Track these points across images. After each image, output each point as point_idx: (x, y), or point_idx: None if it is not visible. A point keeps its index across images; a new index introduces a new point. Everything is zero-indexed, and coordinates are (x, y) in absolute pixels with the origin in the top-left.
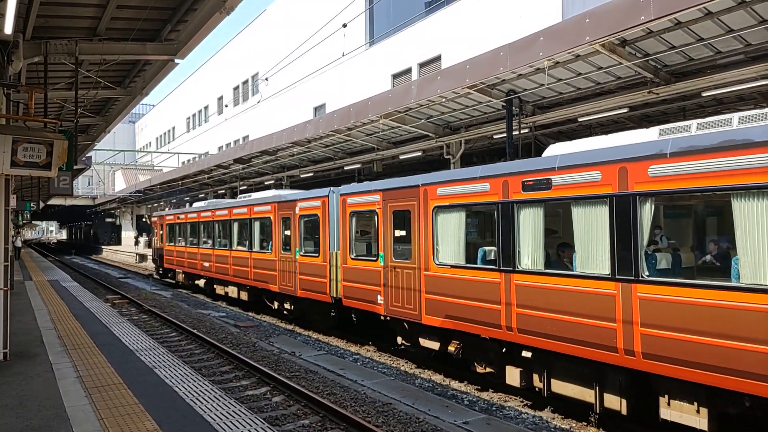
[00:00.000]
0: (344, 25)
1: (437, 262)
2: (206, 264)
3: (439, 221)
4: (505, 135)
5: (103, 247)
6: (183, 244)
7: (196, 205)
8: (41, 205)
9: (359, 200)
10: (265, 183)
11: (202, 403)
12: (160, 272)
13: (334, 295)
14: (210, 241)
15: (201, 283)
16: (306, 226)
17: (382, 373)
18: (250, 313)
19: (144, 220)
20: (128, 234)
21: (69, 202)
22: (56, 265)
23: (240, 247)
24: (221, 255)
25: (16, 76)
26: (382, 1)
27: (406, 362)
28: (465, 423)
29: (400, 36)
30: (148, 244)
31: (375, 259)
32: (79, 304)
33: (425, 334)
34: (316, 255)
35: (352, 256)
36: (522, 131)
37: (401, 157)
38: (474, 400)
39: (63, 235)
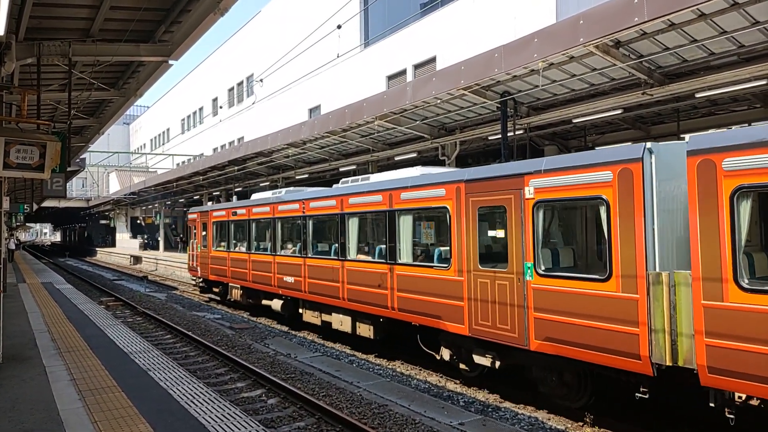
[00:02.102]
0: (339, 27)
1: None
2: (288, 279)
3: None
4: (500, 136)
5: (97, 249)
6: (243, 249)
7: (261, 196)
8: (35, 207)
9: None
10: (260, 185)
11: (197, 405)
12: (201, 284)
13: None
14: (296, 247)
15: (275, 305)
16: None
17: (378, 374)
18: (244, 315)
19: (139, 221)
20: (122, 236)
21: (63, 204)
22: (50, 267)
23: (363, 257)
24: (321, 268)
25: (8, 78)
26: (377, 2)
27: (402, 363)
28: (461, 424)
29: (395, 37)
30: (144, 246)
31: None
32: (73, 306)
33: None
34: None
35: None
36: (517, 132)
37: (396, 158)
38: (470, 401)
39: (57, 237)
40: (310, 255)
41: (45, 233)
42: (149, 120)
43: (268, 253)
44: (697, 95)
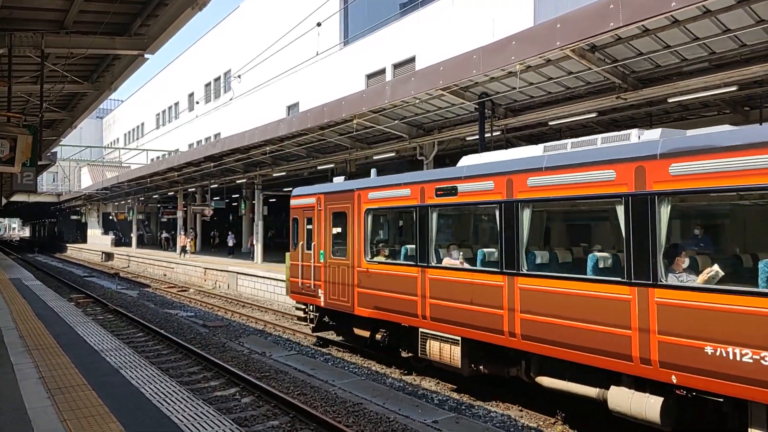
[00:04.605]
0: (318, 24)
1: None
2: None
3: None
4: (477, 137)
5: (67, 245)
6: (457, 259)
7: (509, 155)
8: (3, 201)
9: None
10: (237, 182)
11: (169, 404)
12: (309, 314)
13: None
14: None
15: (553, 383)
16: None
17: (353, 373)
18: (219, 312)
19: (111, 217)
20: (94, 232)
21: (33, 198)
22: (18, 263)
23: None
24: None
25: None
26: (356, 0)
27: (377, 362)
28: (434, 422)
29: (374, 36)
30: (117, 243)
31: None
32: (42, 303)
33: None
34: None
35: None
36: (494, 133)
37: (375, 157)
38: (444, 399)
39: (26, 233)
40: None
41: (14, 228)
42: (123, 114)
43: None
44: (670, 100)
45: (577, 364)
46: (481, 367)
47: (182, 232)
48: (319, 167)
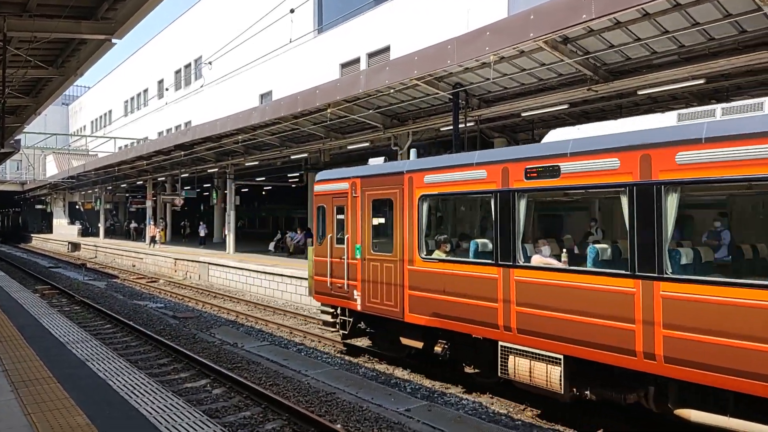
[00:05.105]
0: (292, 11)
1: None
2: None
3: None
4: (451, 127)
5: (32, 235)
6: (545, 253)
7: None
8: None
9: None
10: (208, 171)
11: (137, 396)
12: (340, 318)
13: None
14: None
15: None
16: None
17: (326, 363)
18: (189, 303)
19: (78, 207)
20: (60, 222)
21: None
22: None
23: None
24: None
25: None
26: None
27: (350, 352)
28: (407, 410)
29: (349, 25)
30: (84, 233)
31: None
32: (5, 294)
33: None
34: None
35: None
36: (468, 124)
37: (349, 147)
38: (416, 387)
39: None
40: None
41: None
42: (90, 101)
43: None
44: (639, 92)
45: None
46: (587, 391)
47: (152, 222)
48: (292, 156)
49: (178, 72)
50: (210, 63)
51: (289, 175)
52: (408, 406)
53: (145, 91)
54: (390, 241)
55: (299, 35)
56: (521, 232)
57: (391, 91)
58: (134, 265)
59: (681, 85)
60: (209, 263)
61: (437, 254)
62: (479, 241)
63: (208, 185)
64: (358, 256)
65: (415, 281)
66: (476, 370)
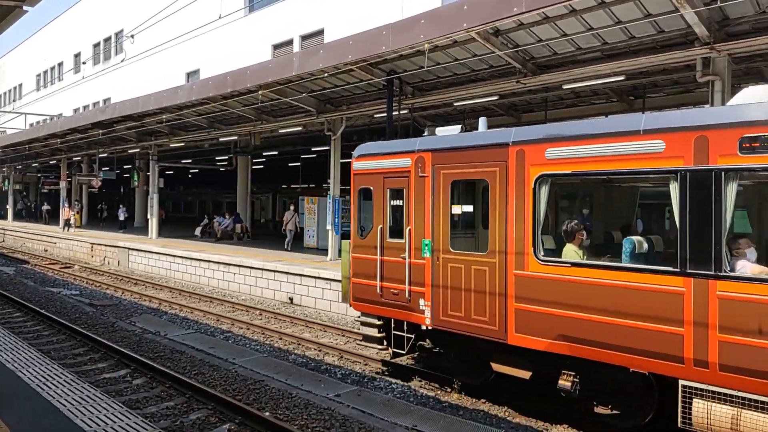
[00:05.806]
0: None
1: None
2: None
3: None
4: (385, 114)
5: None
6: (751, 258)
7: None
8: None
9: None
10: (129, 151)
11: (51, 388)
12: (393, 333)
13: None
14: None
15: None
16: None
17: (255, 350)
18: (108, 290)
19: None
20: None
21: None
22: None
23: None
24: None
25: None
26: None
27: (280, 338)
28: (337, 396)
29: (282, 5)
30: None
31: None
32: None
33: None
34: None
35: None
36: (402, 112)
37: (281, 131)
38: (347, 373)
39: None
40: None
41: None
42: None
43: None
44: (564, 87)
45: None
46: None
47: (66, 205)
48: (221, 139)
49: (97, 45)
50: (132, 37)
51: (217, 158)
52: (338, 392)
53: (60, 64)
54: (482, 237)
55: (229, 12)
56: (726, 230)
57: (325, 75)
58: (46, 250)
59: (603, 80)
60: (130, 248)
61: (567, 256)
62: (634, 239)
63: (129, 167)
64: (427, 255)
65: (526, 290)
66: (614, 411)
